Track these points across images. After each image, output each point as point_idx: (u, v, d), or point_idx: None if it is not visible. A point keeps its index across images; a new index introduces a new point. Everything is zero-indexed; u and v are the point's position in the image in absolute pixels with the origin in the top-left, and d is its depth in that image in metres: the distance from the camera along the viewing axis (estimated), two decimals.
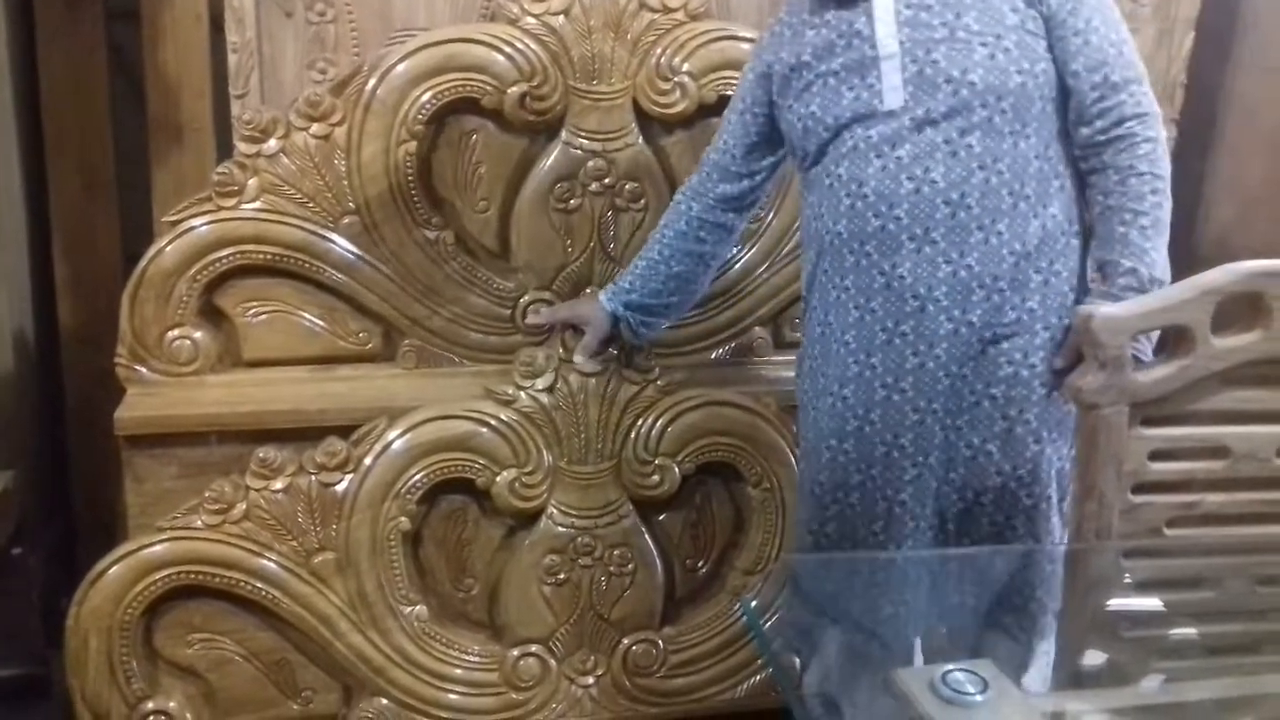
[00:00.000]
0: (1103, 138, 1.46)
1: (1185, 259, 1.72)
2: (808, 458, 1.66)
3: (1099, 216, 1.48)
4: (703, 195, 1.71)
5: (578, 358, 1.84)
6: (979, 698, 0.97)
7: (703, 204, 1.71)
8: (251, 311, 1.85)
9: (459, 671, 1.91)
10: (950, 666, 1.00)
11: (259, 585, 1.80)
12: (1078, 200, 1.51)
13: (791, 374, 1.99)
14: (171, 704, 1.82)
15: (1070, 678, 1.24)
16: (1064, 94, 1.47)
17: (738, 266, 1.95)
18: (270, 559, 1.80)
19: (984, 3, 1.45)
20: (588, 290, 1.90)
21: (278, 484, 1.79)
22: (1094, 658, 1.28)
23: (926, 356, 1.50)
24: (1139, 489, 1.31)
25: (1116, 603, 1.37)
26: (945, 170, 1.45)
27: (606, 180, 1.87)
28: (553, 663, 1.94)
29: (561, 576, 1.91)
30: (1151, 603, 1.36)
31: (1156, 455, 1.31)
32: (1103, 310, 1.28)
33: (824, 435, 1.60)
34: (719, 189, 1.69)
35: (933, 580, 1.48)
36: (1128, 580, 1.39)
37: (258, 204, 1.79)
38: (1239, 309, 1.32)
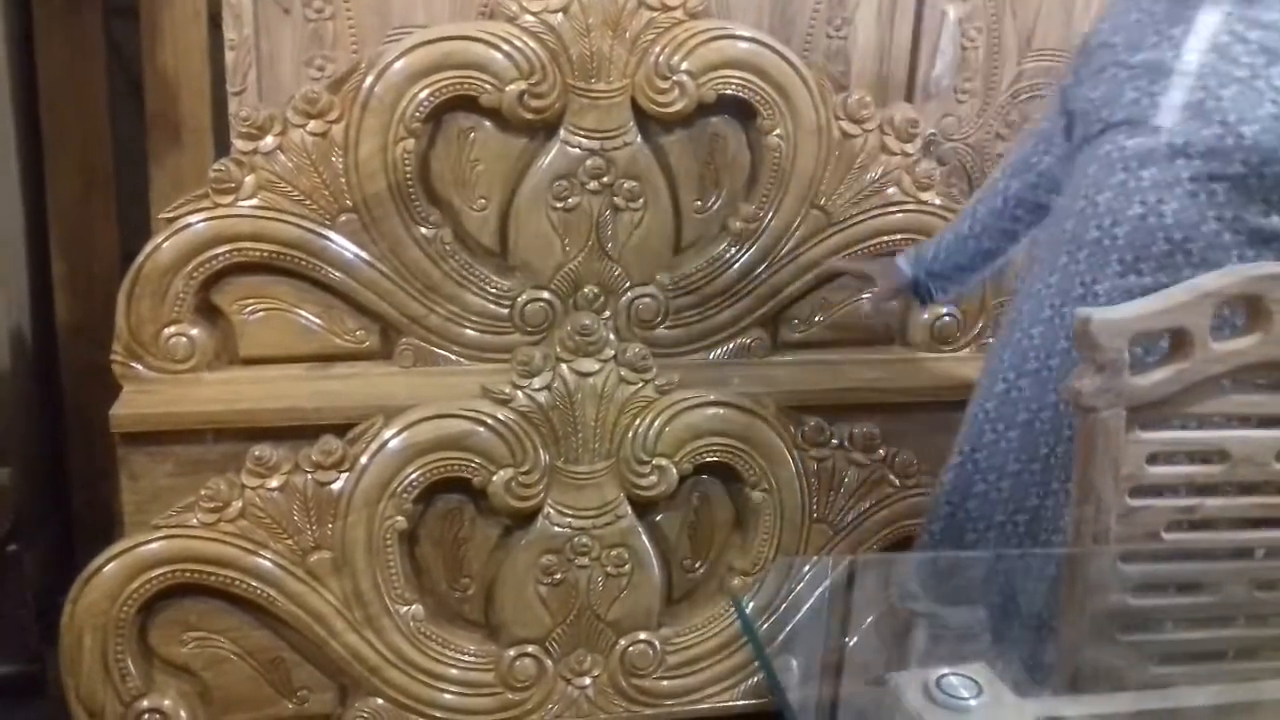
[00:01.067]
0: None
1: None
2: (968, 428, 1.63)
3: None
4: (1024, 171, 1.65)
5: (865, 306, 1.89)
6: (973, 702, 0.97)
7: (1023, 181, 1.65)
8: (248, 309, 1.85)
9: (455, 671, 1.90)
10: (945, 670, 1.00)
11: (254, 584, 1.79)
12: None
13: (789, 374, 1.99)
14: (166, 702, 1.82)
15: (1067, 682, 1.23)
16: None
17: (736, 267, 1.95)
18: (266, 557, 1.79)
19: None
20: (585, 289, 1.89)
21: (273, 482, 1.78)
22: (1091, 662, 1.27)
23: None
24: (1137, 493, 1.30)
25: (1113, 607, 1.36)
26: (1178, 207, 1.39)
27: (605, 179, 1.86)
28: (549, 663, 1.94)
29: (558, 576, 1.91)
30: (1149, 607, 1.35)
31: (1154, 459, 1.30)
32: (1100, 313, 1.27)
33: (990, 418, 1.59)
34: (1043, 162, 1.63)
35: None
36: (1125, 584, 1.39)
37: (255, 201, 1.79)
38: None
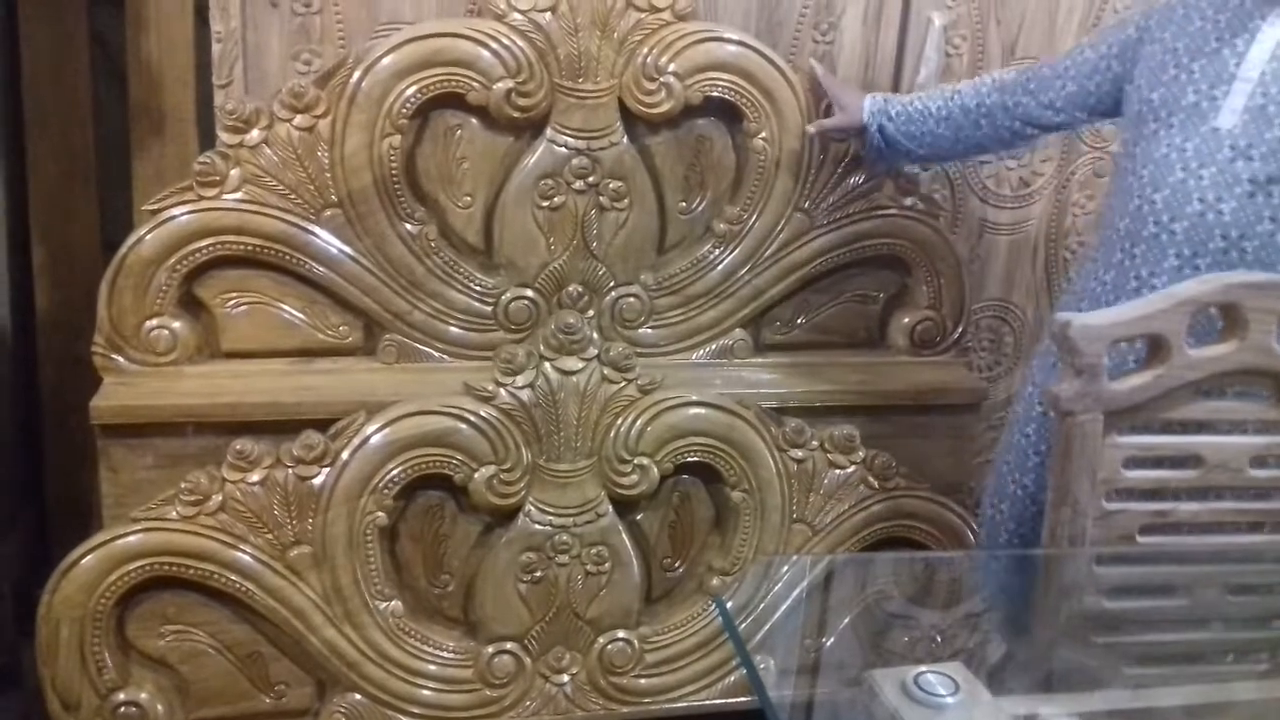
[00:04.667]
0: None
1: None
2: (1003, 438, 1.73)
3: None
4: (1009, 93, 1.73)
5: (810, 128, 1.89)
6: (950, 699, 0.98)
7: (1002, 100, 1.73)
8: (231, 302, 1.84)
9: (433, 667, 1.90)
10: (923, 668, 1.01)
11: (233, 578, 1.79)
12: None
13: (771, 376, 2.00)
14: (143, 695, 1.81)
15: (1041, 682, 1.25)
16: None
17: (720, 268, 1.95)
18: (245, 551, 1.79)
19: None
20: (569, 288, 1.89)
21: (254, 476, 1.78)
22: (1065, 662, 1.29)
23: None
24: (1113, 496, 1.32)
25: (1089, 608, 1.38)
26: (1236, 207, 1.45)
27: (590, 179, 1.86)
28: (528, 660, 1.94)
29: (538, 574, 1.91)
30: (1123, 609, 1.37)
31: (1131, 463, 1.32)
32: (1080, 318, 1.29)
33: (1018, 420, 1.67)
34: (1025, 102, 1.71)
35: None
36: (1100, 586, 1.40)
37: (239, 194, 1.78)
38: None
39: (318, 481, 1.80)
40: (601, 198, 1.88)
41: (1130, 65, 1.61)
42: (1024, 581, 1.47)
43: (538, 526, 1.90)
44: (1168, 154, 1.50)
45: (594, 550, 1.92)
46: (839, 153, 1.95)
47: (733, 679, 2.00)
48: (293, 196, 1.80)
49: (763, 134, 1.90)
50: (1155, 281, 1.50)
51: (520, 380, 1.86)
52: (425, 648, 1.90)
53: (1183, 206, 1.48)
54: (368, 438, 1.80)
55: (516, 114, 1.82)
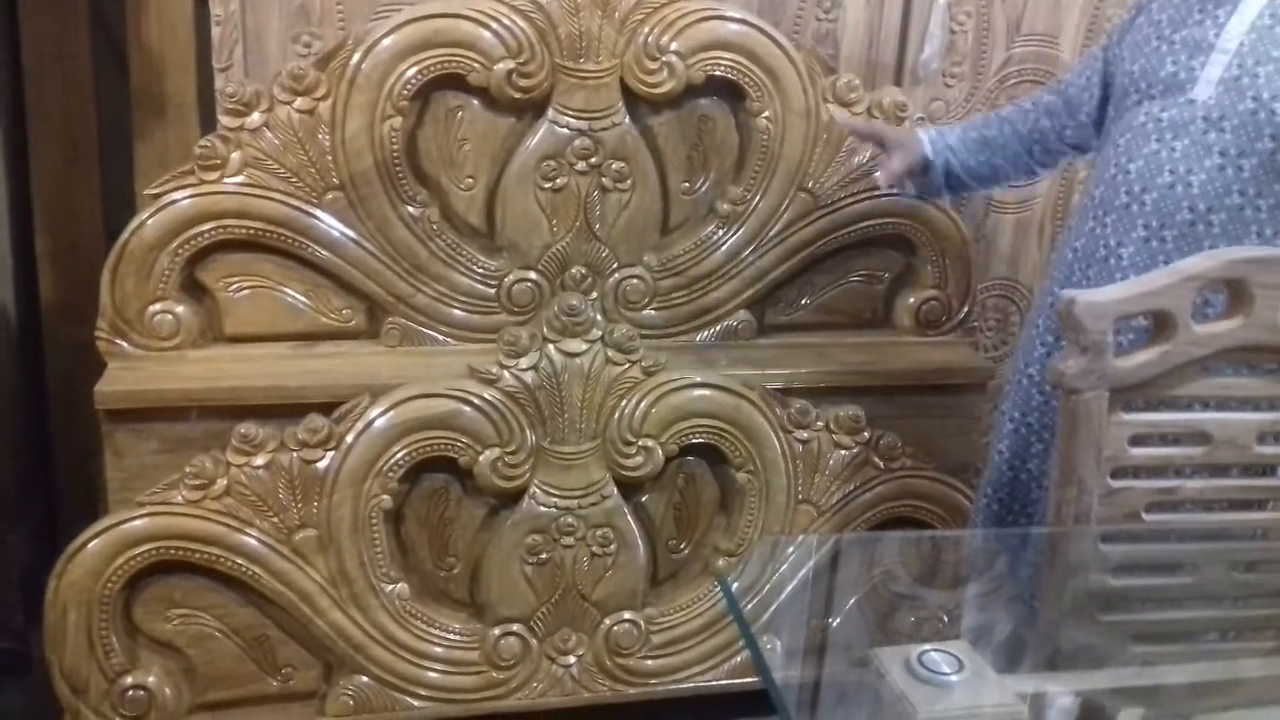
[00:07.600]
0: None
1: None
2: (1014, 396, 1.70)
3: None
4: (1056, 116, 1.71)
5: (879, 178, 1.83)
6: (954, 678, 0.98)
7: (1052, 125, 1.71)
8: (233, 287, 1.84)
9: (440, 650, 1.91)
10: (927, 647, 1.01)
11: (239, 561, 1.79)
12: None
13: (775, 357, 2.00)
14: (150, 679, 1.82)
15: (1047, 660, 1.25)
16: None
17: (723, 249, 1.95)
18: (251, 535, 1.79)
19: None
20: (573, 270, 1.89)
21: (259, 460, 1.78)
22: (1071, 640, 1.29)
23: None
24: (1118, 474, 1.31)
25: (1094, 586, 1.37)
26: (1205, 179, 1.44)
27: (593, 159, 1.85)
28: (534, 642, 1.95)
29: (543, 556, 1.91)
30: (1129, 586, 1.37)
31: (1136, 440, 1.31)
32: (1085, 295, 1.28)
33: (1035, 381, 1.65)
34: (1070, 124, 1.69)
35: None
36: (1105, 565, 1.40)
37: (240, 178, 1.78)
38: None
39: (322, 465, 1.80)
40: (604, 179, 1.87)
41: (1120, 46, 1.61)
42: (1029, 561, 1.46)
43: (543, 509, 1.90)
44: (1145, 124, 1.50)
45: (599, 532, 1.92)
46: (842, 132, 1.94)
47: (739, 660, 2.01)
48: (294, 180, 1.79)
49: (766, 113, 1.89)
50: (1122, 251, 1.51)
51: (524, 362, 1.86)
52: (431, 630, 1.90)
53: (1154, 177, 1.48)
54: (372, 421, 1.80)
55: (518, 95, 1.81)
